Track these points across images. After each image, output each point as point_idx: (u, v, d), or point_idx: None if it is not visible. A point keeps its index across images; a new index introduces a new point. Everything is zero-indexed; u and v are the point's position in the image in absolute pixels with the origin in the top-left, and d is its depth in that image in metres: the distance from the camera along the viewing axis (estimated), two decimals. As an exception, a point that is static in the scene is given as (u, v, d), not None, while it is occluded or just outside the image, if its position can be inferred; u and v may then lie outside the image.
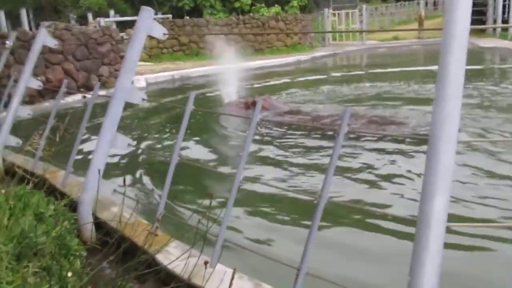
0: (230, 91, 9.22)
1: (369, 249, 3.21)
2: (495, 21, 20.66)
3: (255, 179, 4.54)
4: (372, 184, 4.41)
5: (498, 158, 4.83)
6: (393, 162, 4.93)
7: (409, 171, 4.60)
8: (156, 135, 6.94)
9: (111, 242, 2.32)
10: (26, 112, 4.28)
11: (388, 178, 4.51)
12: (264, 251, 2.94)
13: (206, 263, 2.01)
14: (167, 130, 7.25)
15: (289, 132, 6.44)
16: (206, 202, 3.91)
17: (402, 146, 5.40)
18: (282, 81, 12.66)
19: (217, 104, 8.80)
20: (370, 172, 4.70)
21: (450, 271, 2.13)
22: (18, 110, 4.16)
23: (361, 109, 7.38)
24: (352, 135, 5.69)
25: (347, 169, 4.73)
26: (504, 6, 20.11)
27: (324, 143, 5.76)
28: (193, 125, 6.93)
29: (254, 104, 7.47)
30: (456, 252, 3.04)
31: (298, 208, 3.90)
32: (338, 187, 4.20)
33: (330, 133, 6.04)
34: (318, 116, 6.92)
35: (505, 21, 19.75)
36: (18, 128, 4.27)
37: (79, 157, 5.15)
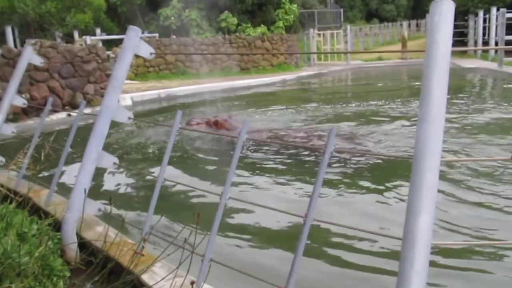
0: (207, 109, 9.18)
1: (355, 267, 3.21)
2: (476, 43, 21.17)
3: (240, 198, 4.52)
4: (357, 203, 4.43)
5: (479, 177, 4.90)
6: (376, 180, 4.96)
7: (394, 189, 4.64)
8: (139, 152, 6.90)
9: (95, 262, 2.29)
10: (10, 130, 4.23)
11: (373, 197, 4.54)
12: (251, 270, 2.92)
13: (192, 283, 1.99)
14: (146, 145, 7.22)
15: (267, 151, 6.42)
16: (192, 221, 3.88)
17: (384, 165, 5.45)
18: (267, 99, 12.75)
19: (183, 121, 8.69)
20: (355, 191, 4.73)
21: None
22: (2, 127, 4.11)
23: (340, 127, 7.46)
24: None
25: (330, 187, 4.75)
26: (484, 28, 20.63)
27: (304, 162, 5.79)
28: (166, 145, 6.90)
29: (216, 124, 7.37)
30: (441, 269, 3.05)
31: (285, 226, 3.89)
32: (324, 205, 4.21)
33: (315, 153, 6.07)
34: (288, 136, 6.80)
35: (485, 42, 20.25)
36: (1, 146, 4.20)
37: (64, 175, 5.09)
